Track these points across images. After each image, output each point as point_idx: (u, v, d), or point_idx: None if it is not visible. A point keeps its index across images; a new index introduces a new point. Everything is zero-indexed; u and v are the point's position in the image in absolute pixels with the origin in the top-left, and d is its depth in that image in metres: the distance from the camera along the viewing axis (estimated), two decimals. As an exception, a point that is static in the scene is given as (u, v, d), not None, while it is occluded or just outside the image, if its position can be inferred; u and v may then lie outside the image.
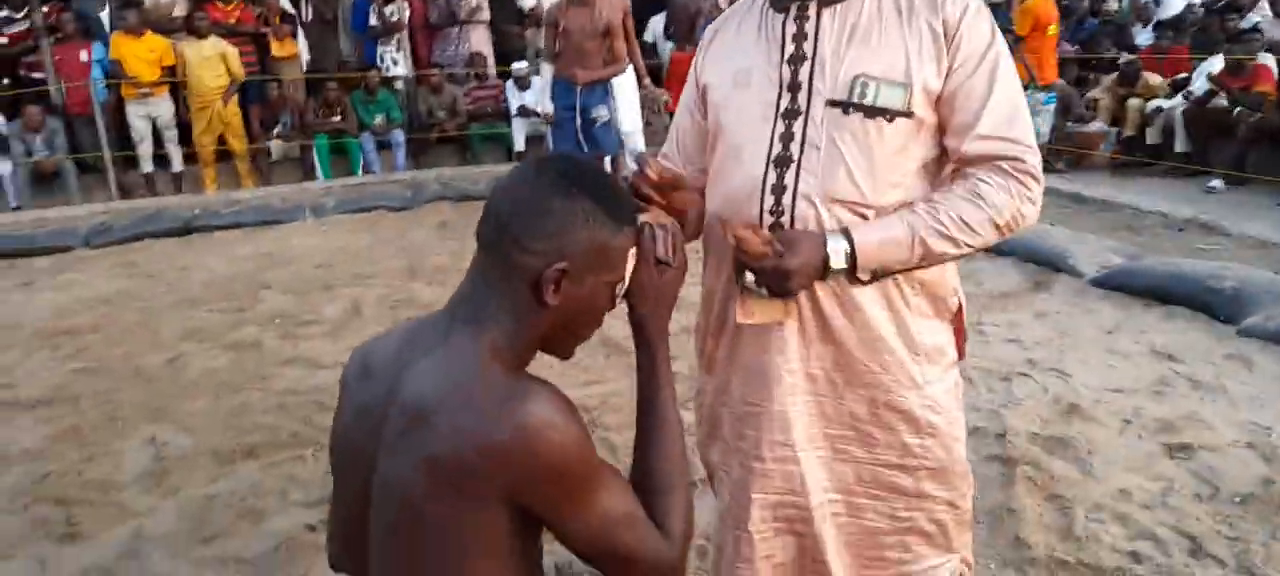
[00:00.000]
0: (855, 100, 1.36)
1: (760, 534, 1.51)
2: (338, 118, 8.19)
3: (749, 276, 1.36)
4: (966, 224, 1.34)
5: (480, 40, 8.91)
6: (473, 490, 1.02)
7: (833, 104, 1.37)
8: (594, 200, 1.09)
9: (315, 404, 3.50)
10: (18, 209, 7.31)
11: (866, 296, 1.39)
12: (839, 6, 1.40)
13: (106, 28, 7.88)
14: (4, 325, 4.64)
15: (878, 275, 1.38)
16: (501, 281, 1.10)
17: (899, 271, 1.39)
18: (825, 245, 1.33)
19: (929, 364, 1.44)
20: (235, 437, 3.27)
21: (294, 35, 8.50)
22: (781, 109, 1.41)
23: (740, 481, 1.51)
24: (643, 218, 1.26)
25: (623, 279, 1.16)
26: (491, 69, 8.85)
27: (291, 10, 8.59)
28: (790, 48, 1.42)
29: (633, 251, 1.16)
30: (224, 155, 8.08)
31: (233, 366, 3.96)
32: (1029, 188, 1.36)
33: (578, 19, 5.47)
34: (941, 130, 1.39)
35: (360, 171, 8.12)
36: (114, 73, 7.67)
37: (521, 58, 8.39)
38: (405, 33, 8.68)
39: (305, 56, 8.65)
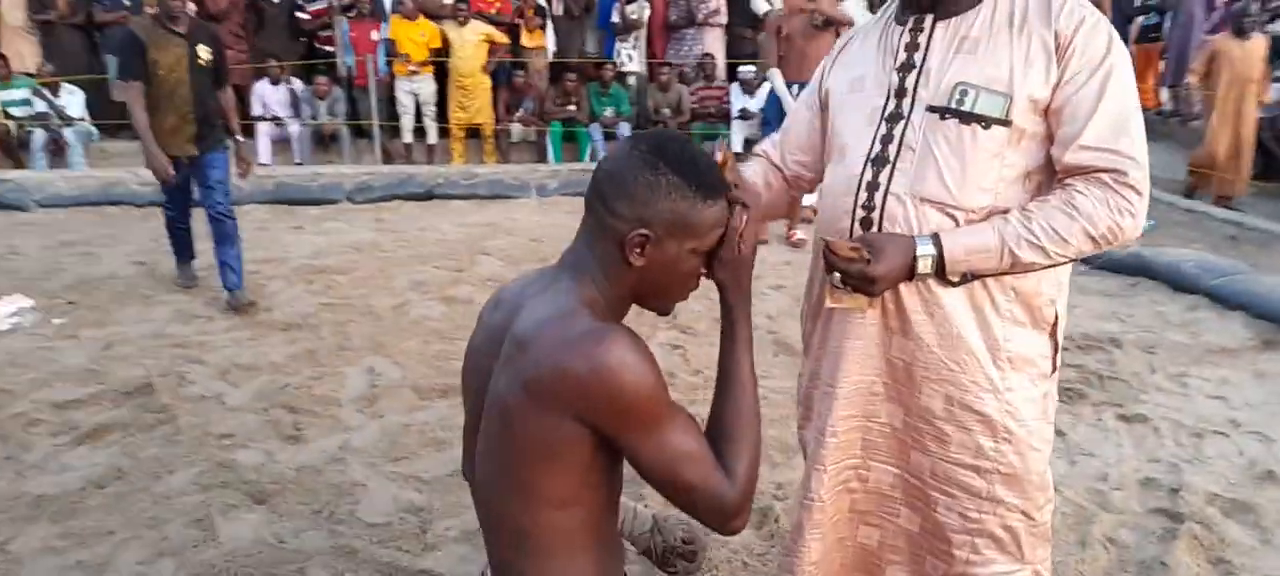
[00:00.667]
0: (952, 106, 1.43)
1: (822, 504, 1.60)
2: (573, 107, 8.78)
3: (837, 276, 1.46)
4: (1058, 233, 1.37)
5: (713, 42, 9.17)
6: (555, 409, 1.21)
7: (932, 109, 1.45)
8: (678, 174, 1.23)
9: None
10: (300, 164, 8.49)
11: (952, 295, 1.45)
12: (954, 19, 1.47)
13: (387, 10, 8.91)
14: (274, 259, 5.48)
15: (968, 278, 1.43)
16: (598, 241, 1.27)
17: (990, 276, 1.43)
18: (913, 249, 1.41)
19: (1013, 370, 1.47)
20: (435, 377, 3.70)
21: (543, 27, 9.19)
22: (886, 112, 1.51)
23: (814, 454, 1.61)
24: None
25: (708, 248, 1.29)
26: (721, 71, 9.09)
27: (544, 4, 9.28)
28: (902, 56, 1.51)
29: (721, 225, 1.28)
30: (473, 132, 8.92)
31: (444, 317, 4.46)
32: (1130, 200, 1.36)
33: (797, 23, 5.56)
34: (1050, 140, 1.42)
35: (587, 158, 8.65)
36: (390, 51, 8.71)
37: (752, 61, 8.56)
38: (643, 31, 9.12)
39: (552, 47, 9.33)
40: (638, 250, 1.24)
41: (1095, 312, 4.44)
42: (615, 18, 8.97)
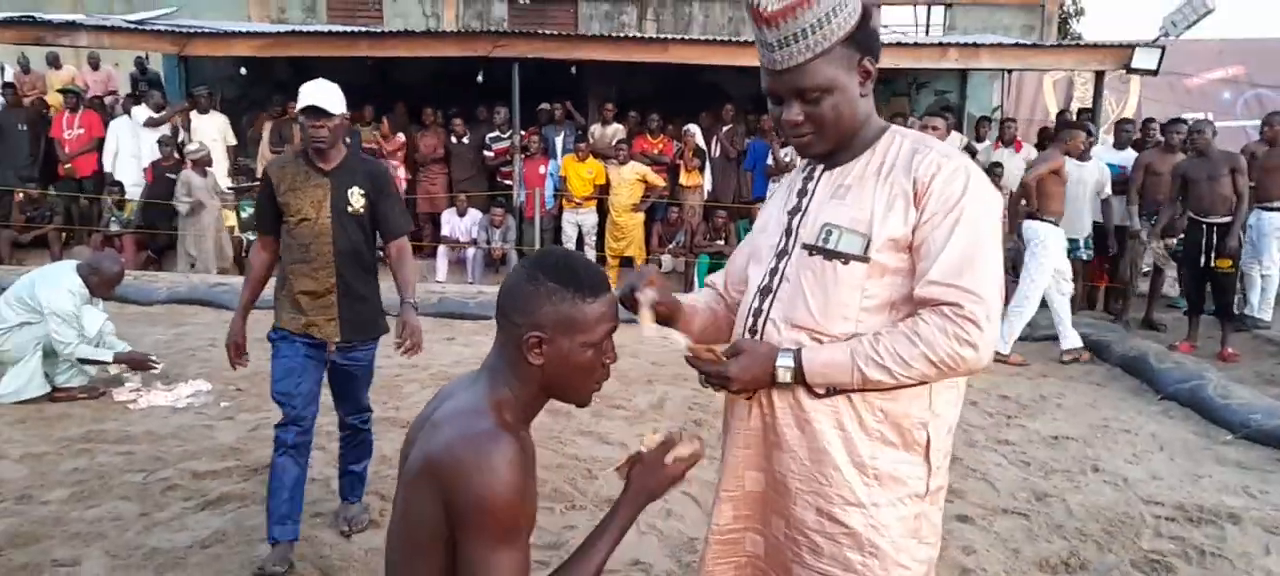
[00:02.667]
0: (819, 244, 1.59)
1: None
2: (721, 241, 9.13)
3: (700, 377, 1.64)
4: (901, 356, 1.48)
5: (866, 185, 9.29)
6: (435, 486, 1.43)
7: (805, 247, 1.62)
8: (555, 281, 1.45)
9: (585, 471, 4.10)
10: (470, 283, 9.31)
11: (817, 412, 1.57)
12: (838, 170, 1.65)
13: (558, 150, 9.77)
14: (417, 365, 6.05)
15: (833, 392, 1.54)
16: (506, 348, 1.51)
17: (852, 391, 1.54)
18: (774, 358, 1.57)
19: (880, 487, 1.55)
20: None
21: (701, 169, 9.70)
22: (777, 250, 1.69)
23: (702, 557, 1.76)
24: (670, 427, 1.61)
25: (597, 342, 1.48)
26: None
27: (703, 147, 9.81)
28: (794, 201, 1.71)
29: (608, 320, 1.48)
30: (628, 261, 9.44)
31: (542, 425, 4.75)
32: (967, 332, 1.45)
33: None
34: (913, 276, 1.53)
35: (731, 291, 8.89)
36: (559, 187, 9.51)
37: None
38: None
39: (708, 187, 9.80)
40: (535, 350, 1.45)
41: (1223, 485, 4.05)
42: (769, 161, 9.33)
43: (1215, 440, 4.75)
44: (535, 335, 1.44)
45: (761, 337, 1.64)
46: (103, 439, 4.35)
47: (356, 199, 3.20)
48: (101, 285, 5.02)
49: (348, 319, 3.25)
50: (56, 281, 4.93)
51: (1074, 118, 9.45)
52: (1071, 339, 6.47)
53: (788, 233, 1.68)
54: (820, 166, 1.68)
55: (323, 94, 3.08)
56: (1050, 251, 6.29)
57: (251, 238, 6.99)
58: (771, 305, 1.65)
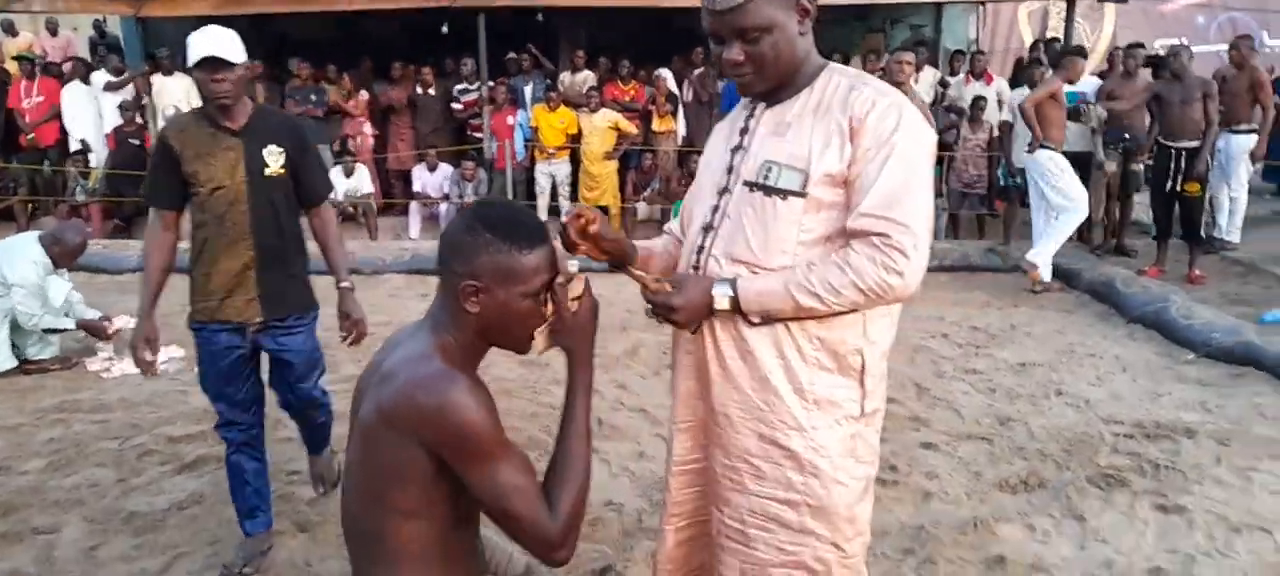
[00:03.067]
0: (759, 181, 1.62)
1: (667, 548, 1.76)
2: (696, 186, 9.12)
3: (649, 308, 1.68)
4: (831, 284, 1.53)
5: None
6: (403, 433, 1.46)
7: (746, 183, 1.65)
8: (491, 231, 1.48)
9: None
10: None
11: (759, 342, 1.61)
12: (778, 107, 1.67)
13: (528, 100, 9.68)
14: (392, 321, 6.07)
15: (767, 320, 1.58)
16: (446, 297, 1.54)
17: (787, 319, 1.59)
18: (712, 289, 1.61)
19: (819, 410, 1.60)
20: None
21: (674, 114, 9.65)
22: (719, 187, 1.72)
23: (665, 491, 1.84)
24: (572, 265, 1.63)
25: (534, 292, 1.51)
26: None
27: (675, 91, 9.75)
28: (736, 139, 1.73)
29: (544, 270, 1.50)
30: (603, 210, 9.43)
31: (520, 376, 4.80)
32: (895, 260, 1.50)
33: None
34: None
35: (707, 235, 8.92)
36: (530, 138, 9.44)
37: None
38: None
39: (682, 132, 9.75)
40: (472, 298, 1.48)
41: (1181, 402, 4.16)
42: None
43: (1177, 360, 4.85)
44: (471, 284, 1.47)
45: (703, 272, 1.68)
46: (77, 408, 4.36)
47: (274, 159, 2.78)
48: (64, 255, 4.99)
49: (268, 295, 2.81)
50: (19, 253, 4.90)
51: (1045, 46, 9.44)
52: (1047, 269, 6.54)
53: (729, 170, 1.71)
54: (762, 104, 1.70)
55: (218, 43, 2.62)
56: (1064, 172, 6.37)
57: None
58: (713, 241, 1.69)
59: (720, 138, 1.80)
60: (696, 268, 1.70)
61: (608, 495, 3.35)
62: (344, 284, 3.00)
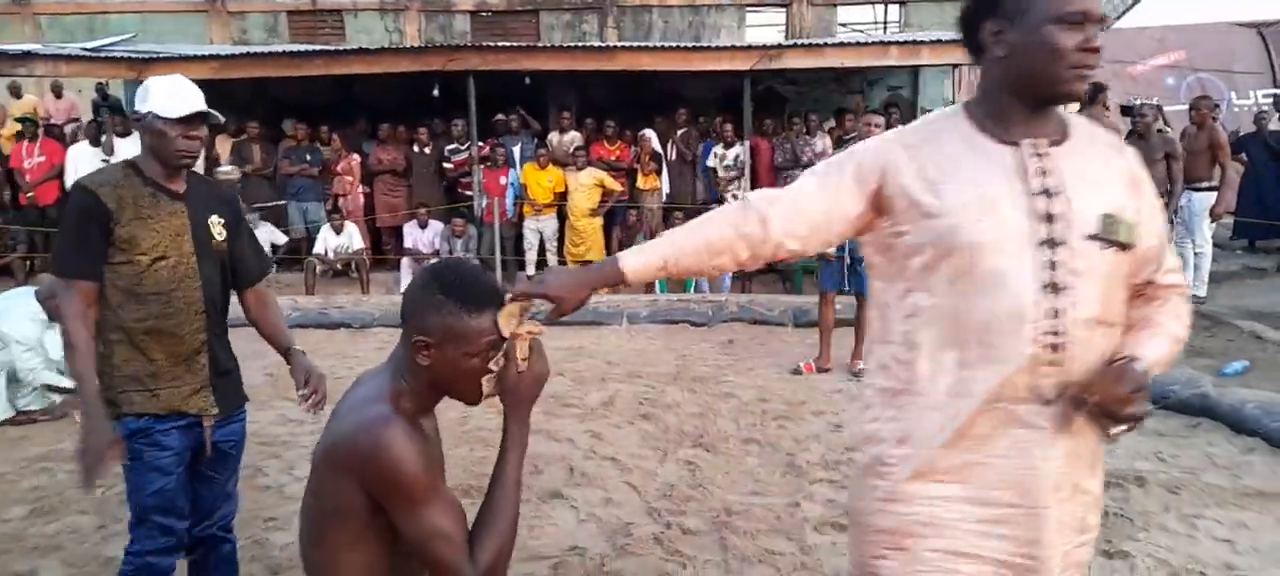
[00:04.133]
0: (1103, 234, 1.52)
1: None
2: (680, 243, 9.33)
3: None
4: (1178, 340, 1.62)
5: (819, 181, 9.52)
6: (342, 472, 1.59)
7: (1089, 237, 1.52)
8: (444, 293, 1.59)
9: (531, 467, 4.25)
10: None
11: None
12: (1065, 145, 1.58)
13: (518, 160, 9.92)
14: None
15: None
16: (403, 347, 1.68)
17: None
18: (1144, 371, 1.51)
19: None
20: (468, 478, 4.06)
21: (658, 172, 9.90)
22: (1039, 238, 1.51)
23: None
24: (535, 324, 1.68)
25: (480, 352, 1.60)
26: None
27: (659, 150, 10.01)
28: (1037, 182, 1.54)
29: (491, 333, 1.59)
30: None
31: (495, 426, 4.89)
32: (1188, 315, 1.67)
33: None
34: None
35: (691, 289, 9.09)
36: (520, 195, 9.67)
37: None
38: (746, 176, 9.63)
39: (666, 189, 9.99)
40: (423, 352, 1.61)
41: (1135, 452, 4.28)
42: (712, 162, 9.62)
43: (1138, 411, 4.98)
44: (422, 339, 1.59)
45: (1068, 341, 1.50)
46: (61, 458, 4.47)
47: (217, 231, 2.50)
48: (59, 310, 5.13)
49: (220, 385, 2.49)
50: (16, 309, 5.04)
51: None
52: None
53: (1046, 219, 1.52)
54: (1026, 142, 1.56)
55: (199, 96, 2.39)
56: None
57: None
58: (1069, 304, 1.50)
59: (981, 168, 1.56)
60: (1056, 334, 1.50)
61: (574, 540, 3.45)
62: (297, 348, 2.61)
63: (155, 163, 2.40)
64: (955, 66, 11.76)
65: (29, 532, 3.60)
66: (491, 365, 1.63)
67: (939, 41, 9.63)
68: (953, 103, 12.11)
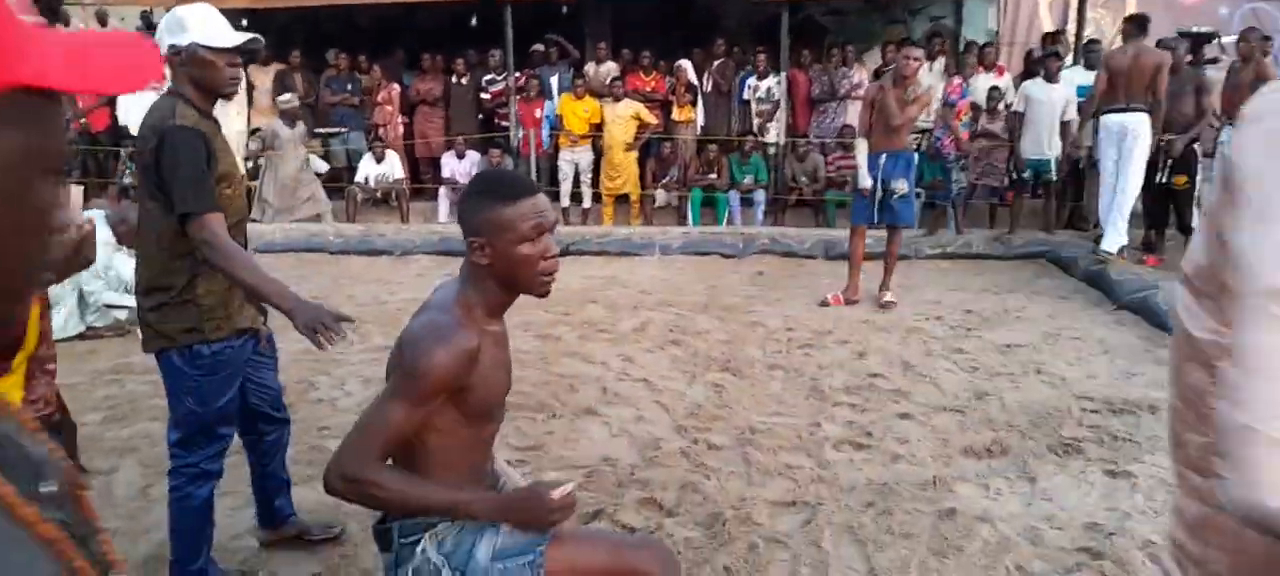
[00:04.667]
0: None
1: None
2: (714, 175, 9.42)
3: None
4: None
5: (855, 115, 9.49)
6: (395, 362, 1.80)
7: None
8: (485, 194, 1.78)
9: (568, 386, 4.49)
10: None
11: None
12: None
13: (555, 90, 10.02)
14: (411, 299, 6.46)
15: None
16: (466, 254, 1.86)
17: None
18: None
19: None
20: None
21: (693, 104, 9.94)
22: None
23: None
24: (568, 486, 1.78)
25: (527, 236, 1.74)
26: (861, 141, 9.39)
27: (695, 82, 10.04)
28: None
29: (531, 216, 1.73)
30: (624, 197, 9.76)
31: (534, 349, 5.15)
32: None
33: (889, 98, 5.88)
34: None
35: (723, 222, 9.21)
36: (556, 126, 9.80)
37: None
38: (783, 108, 9.63)
39: (701, 122, 10.04)
40: (479, 252, 1.78)
41: (1153, 381, 4.40)
42: (747, 96, 9.62)
43: (1158, 343, 5.07)
44: (475, 240, 1.77)
45: None
46: (130, 371, 4.79)
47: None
48: (128, 234, 5.42)
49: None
50: (83, 231, 5.34)
51: (1056, 38, 9.59)
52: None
53: None
54: None
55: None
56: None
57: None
58: None
59: None
60: None
61: (606, 452, 3.69)
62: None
63: (200, 92, 2.44)
64: (999, -5, 11.56)
65: (106, 436, 3.92)
66: (544, 249, 1.77)
67: (980, -29, 9.45)
68: (996, 33, 11.93)
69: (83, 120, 10.10)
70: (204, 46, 2.40)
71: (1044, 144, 7.38)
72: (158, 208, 2.42)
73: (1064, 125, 7.46)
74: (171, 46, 2.42)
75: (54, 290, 5.21)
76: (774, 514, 3.11)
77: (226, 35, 2.42)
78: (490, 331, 1.82)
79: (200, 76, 2.43)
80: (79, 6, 11.65)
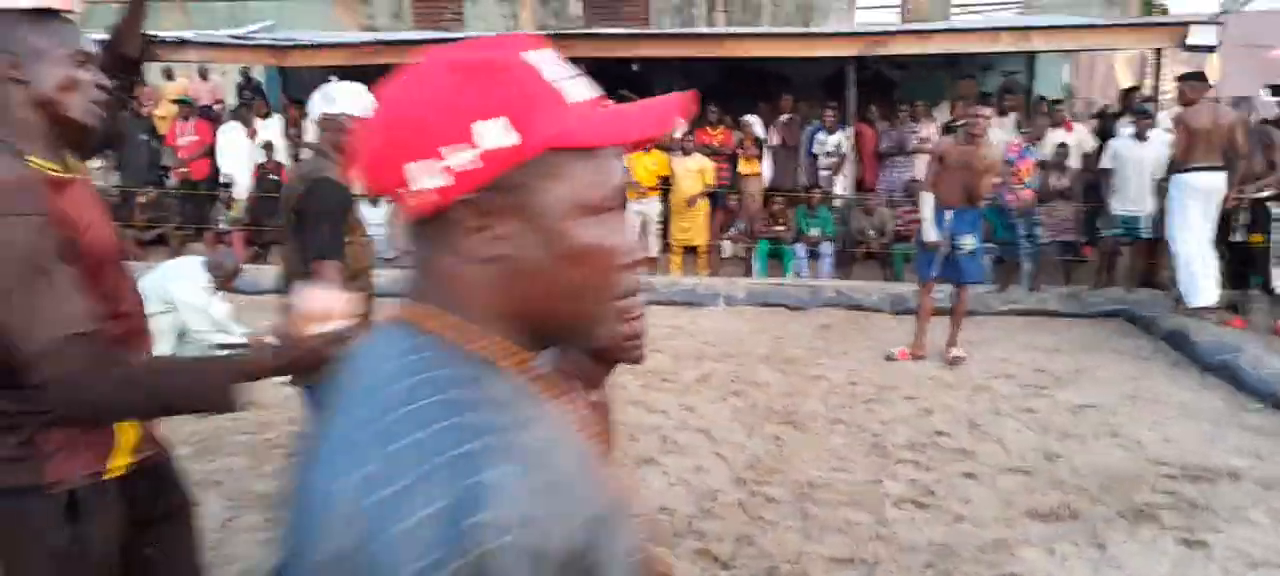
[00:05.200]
0: None
1: None
2: (780, 227, 9.45)
3: None
4: None
5: (922, 169, 9.45)
6: None
7: None
8: None
9: (627, 434, 4.55)
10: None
11: None
12: None
13: (625, 143, 10.23)
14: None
15: None
16: None
17: None
18: None
19: None
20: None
21: (759, 157, 10.02)
22: None
23: None
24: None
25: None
26: (931, 195, 9.32)
27: (762, 136, 10.13)
28: None
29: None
30: (692, 248, 9.86)
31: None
32: None
33: (956, 152, 5.87)
34: None
35: (790, 274, 9.21)
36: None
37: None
38: (849, 162, 9.64)
39: (768, 175, 10.11)
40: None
41: (1235, 448, 4.25)
42: (815, 150, 9.67)
43: (1243, 409, 4.90)
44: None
45: None
46: (216, 407, 5.04)
47: None
48: (223, 278, 5.74)
49: None
50: (185, 276, 5.67)
51: (1129, 95, 9.42)
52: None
53: None
54: None
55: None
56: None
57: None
58: None
59: None
60: None
61: (664, 501, 3.73)
62: None
63: (335, 153, 2.77)
64: (1072, 52, 11.43)
65: (192, 469, 4.12)
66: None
67: (1051, 27, 9.38)
68: (1069, 89, 11.81)
69: (184, 170, 10.71)
70: (352, 116, 2.74)
71: (1134, 201, 7.32)
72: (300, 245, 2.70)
73: (1158, 182, 7.34)
74: (325, 113, 2.79)
75: (155, 328, 5.56)
76: (830, 570, 3.11)
77: (368, 109, 2.73)
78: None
79: (339, 142, 2.76)
80: (184, 64, 12.42)
